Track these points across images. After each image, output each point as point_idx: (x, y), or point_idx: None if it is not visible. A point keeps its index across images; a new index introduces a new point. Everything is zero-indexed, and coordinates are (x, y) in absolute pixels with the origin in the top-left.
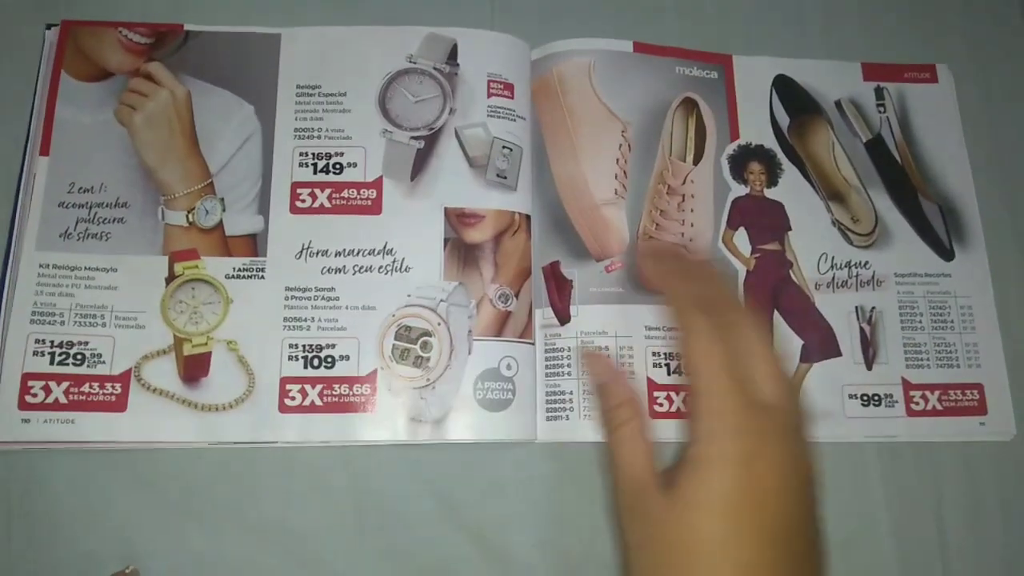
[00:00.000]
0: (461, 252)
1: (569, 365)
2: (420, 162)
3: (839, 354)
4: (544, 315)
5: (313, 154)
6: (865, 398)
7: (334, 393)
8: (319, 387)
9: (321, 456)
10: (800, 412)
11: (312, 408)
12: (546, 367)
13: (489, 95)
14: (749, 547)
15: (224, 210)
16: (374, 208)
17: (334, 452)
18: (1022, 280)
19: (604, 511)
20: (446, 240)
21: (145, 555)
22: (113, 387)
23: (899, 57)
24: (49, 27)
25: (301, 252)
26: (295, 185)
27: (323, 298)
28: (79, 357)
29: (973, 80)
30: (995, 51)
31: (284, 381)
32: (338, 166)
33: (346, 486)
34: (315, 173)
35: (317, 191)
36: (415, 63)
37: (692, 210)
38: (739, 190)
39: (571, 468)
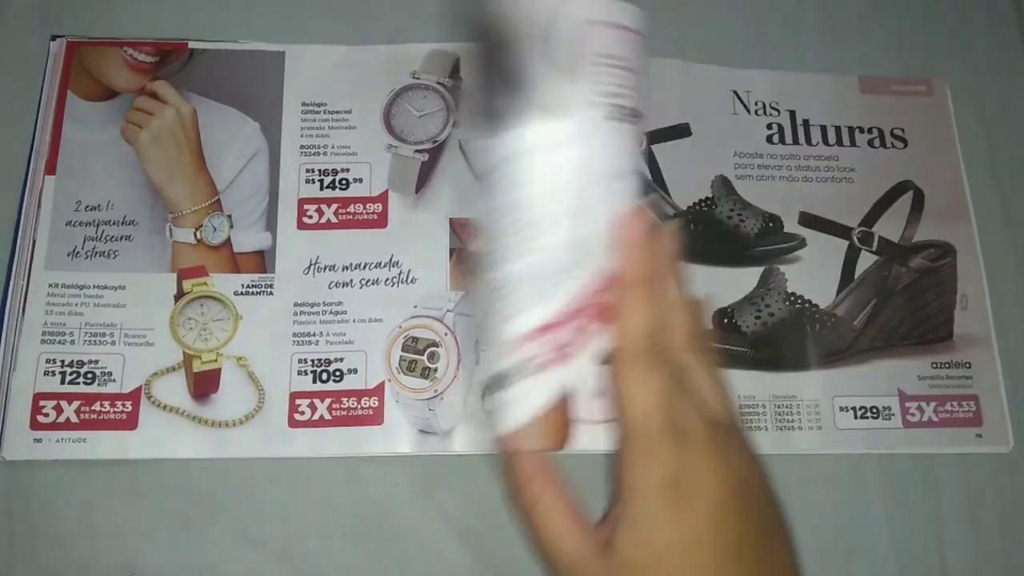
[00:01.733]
0: (468, 262)
1: None
2: (425, 175)
3: None
4: None
5: (319, 170)
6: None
7: (342, 407)
8: (328, 401)
9: (325, 468)
10: (735, 427)
11: (321, 422)
12: None
13: None
14: (703, 567)
15: (232, 227)
16: (380, 222)
17: (338, 464)
18: (1018, 293)
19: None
20: (452, 250)
21: (147, 566)
22: (124, 405)
23: (896, 71)
24: (54, 38)
25: (309, 267)
26: (302, 201)
27: (331, 312)
28: (90, 376)
29: (970, 95)
30: (992, 66)
31: (294, 396)
32: (344, 182)
33: (349, 498)
34: (321, 189)
35: (324, 206)
36: (418, 78)
37: None
38: None
39: (576, 480)
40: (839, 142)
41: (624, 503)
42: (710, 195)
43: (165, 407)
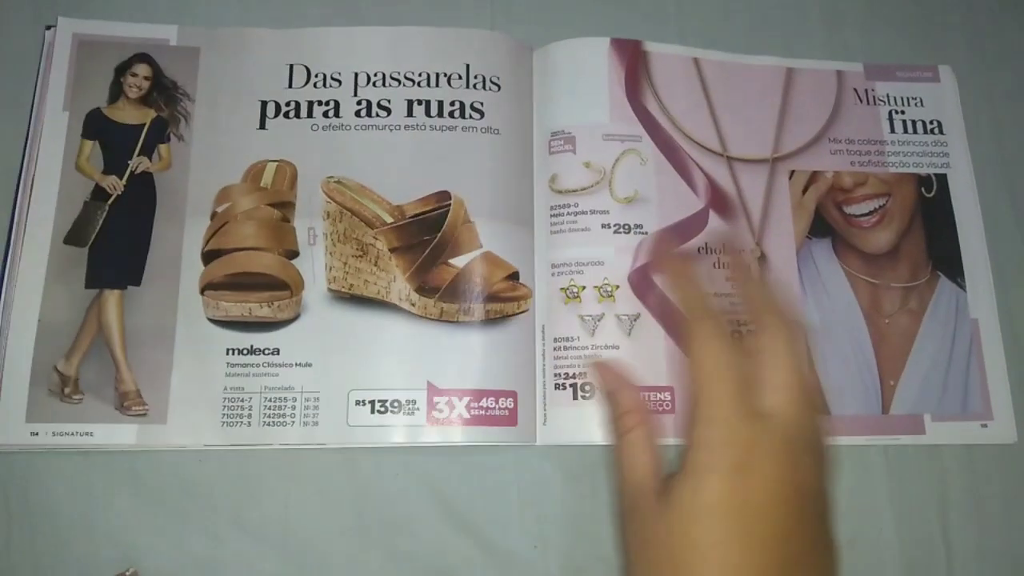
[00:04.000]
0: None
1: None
2: None
3: None
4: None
5: None
6: None
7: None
8: None
9: (321, 458)
10: (807, 424)
11: None
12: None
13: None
14: (738, 553)
15: None
16: None
17: (334, 454)
18: (1021, 277)
19: (604, 511)
20: None
21: (145, 557)
22: None
23: (901, 58)
24: (48, 28)
25: None
26: None
27: None
28: None
29: (976, 81)
30: (997, 52)
31: None
32: None
33: (346, 488)
34: None
35: None
36: None
37: None
38: None
39: (571, 470)
40: None
41: (687, 452)
42: None
43: None
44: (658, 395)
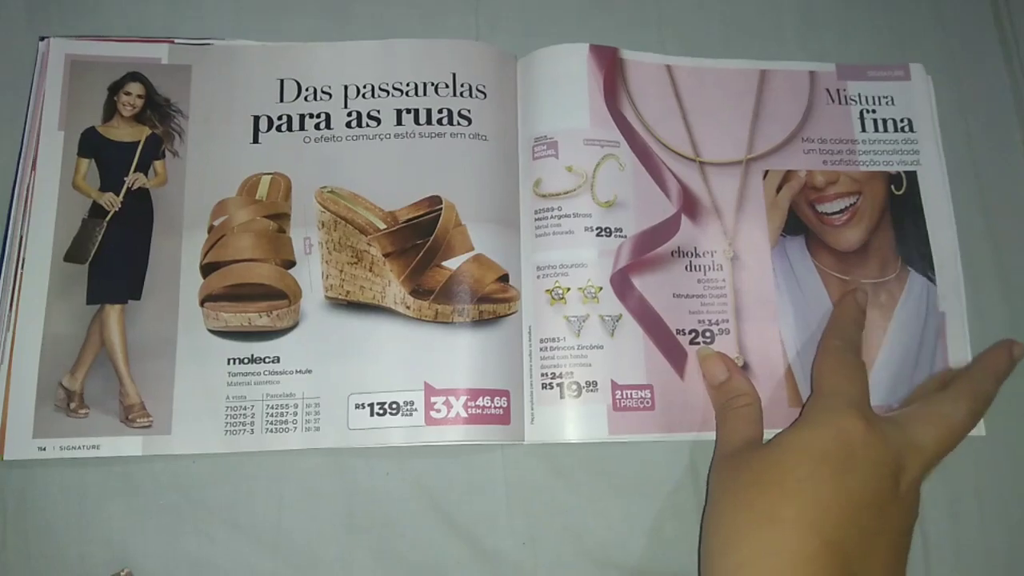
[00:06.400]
0: None
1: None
2: None
3: None
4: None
5: None
6: None
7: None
8: None
9: (312, 459)
10: (921, 460)
11: None
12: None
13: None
14: (825, 494)
15: None
16: None
17: (325, 455)
18: (995, 281)
19: (592, 508)
20: None
21: (138, 559)
22: None
23: (874, 58)
24: (42, 39)
25: None
26: None
27: None
28: None
29: (948, 80)
30: (969, 51)
31: None
32: None
33: (337, 489)
34: None
35: None
36: None
37: None
38: None
39: (558, 467)
40: None
41: (808, 412)
42: None
43: None
44: (638, 392)
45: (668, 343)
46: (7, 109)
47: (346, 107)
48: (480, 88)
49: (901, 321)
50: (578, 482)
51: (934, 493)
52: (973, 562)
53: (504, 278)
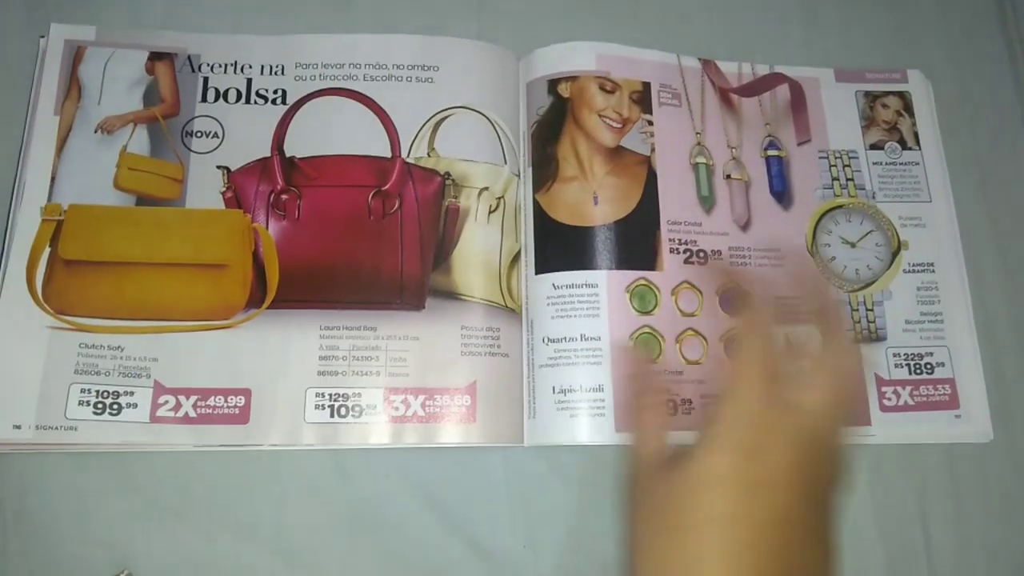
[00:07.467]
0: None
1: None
2: None
3: None
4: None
5: None
6: None
7: None
8: None
9: (312, 459)
10: (830, 425)
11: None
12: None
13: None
14: (741, 528)
15: None
16: None
17: (324, 455)
18: (998, 281)
19: (593, 510)
20: None
21: (138, 559)
22: None
23: (876, 63)
24: (42, 37)
25: None
26: None
27: None
28: None
29: (950, 85)
30: (971, 56)
31: None
32: None
33: (337, 489)
34: None
35: None
36: None
37: None
38: None
39: (559, 469)
40: None
41: (708, 426)
42: None
43: None
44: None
45: None
46: (9, 96)
47: None
48: None
49: None
50: (580, 484)
51: (936, 494)
52: (975, 563)
53: None
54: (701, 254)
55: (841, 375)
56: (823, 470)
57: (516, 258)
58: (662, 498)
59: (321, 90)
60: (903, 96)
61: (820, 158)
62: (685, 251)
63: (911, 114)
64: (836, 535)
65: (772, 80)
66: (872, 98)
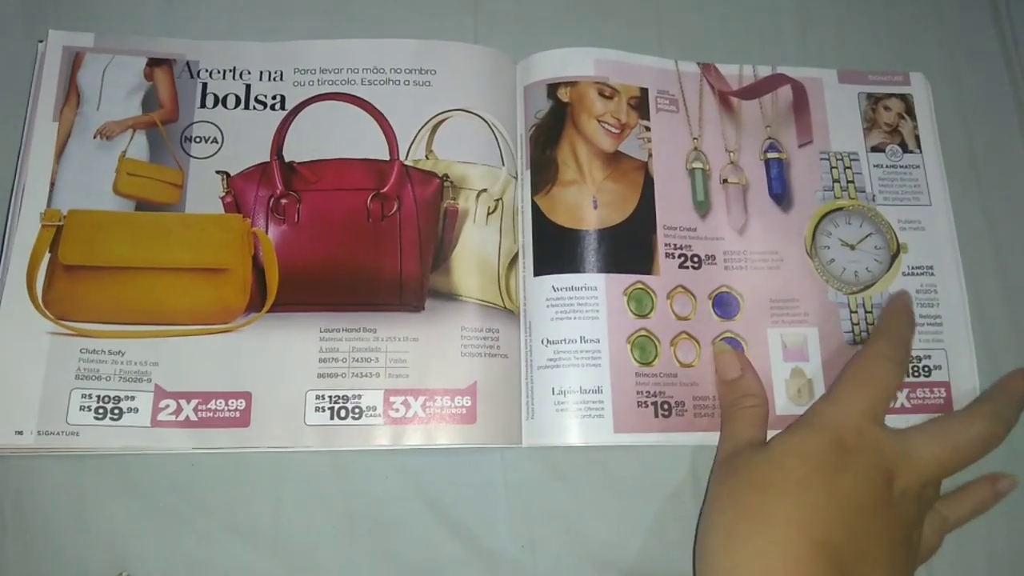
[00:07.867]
0: None
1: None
2: None
3: None
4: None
5: None
6: None
7: None
8: None
9: (312, 462)
10: (927, 472)
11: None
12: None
13: None
14: (820, 494)
15: None
16: None
17: (325, 457)
18: (996, 284)
19: (590, 511)
20: None
21: (137, 561)
22: None
23: (874, 65)
24: (41, 43)
25: None
26: None
27: None
28: None
29: (948, 87)
30: (969, 58)
31: None
32: None
33: (336, 490)
34: None
35: None
36: None
37: None
38: None
39: (557, 470)
40: None
41: (806, 416)
42: None
43: None
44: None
45: None
46: (8, 102)
47: None
48: None
49: None
50: (577, 485)
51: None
52: (973, 563)
53: None
54: (695, 259)
55: (960, 444)
56: (908, 496)
57: (514, 259)
58: (746, 461)
59: (319, 95)
60: (905, 99)
61: (821, 160)
62: (680, 256)
63: (912, 117)
64: (913, 564)
65: (775, 81)
66: (874, 100)
